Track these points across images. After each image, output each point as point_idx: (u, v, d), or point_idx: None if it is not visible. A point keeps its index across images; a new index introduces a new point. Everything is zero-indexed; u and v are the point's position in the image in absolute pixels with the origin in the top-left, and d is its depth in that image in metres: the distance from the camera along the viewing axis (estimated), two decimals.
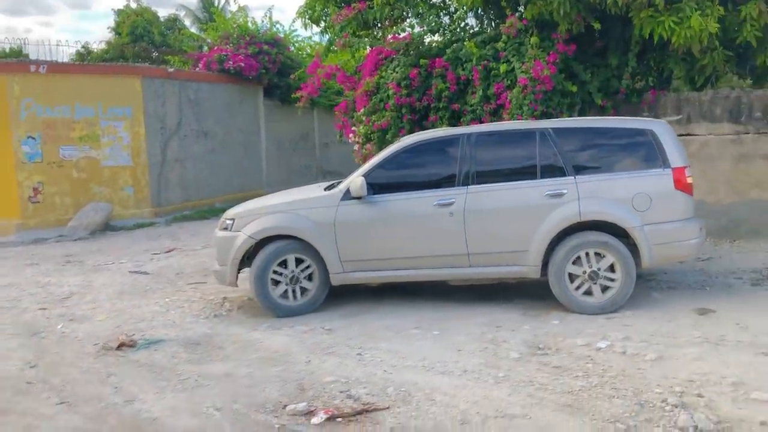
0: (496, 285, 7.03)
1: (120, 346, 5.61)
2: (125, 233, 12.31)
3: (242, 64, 15.44)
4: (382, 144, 9.01)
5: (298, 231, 6.37)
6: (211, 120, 15.19)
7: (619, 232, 5.98)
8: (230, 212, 6.86)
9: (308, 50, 19.77)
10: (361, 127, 9.27)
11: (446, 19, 10.47)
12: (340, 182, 6.74)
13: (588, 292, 6.02)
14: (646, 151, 6.11)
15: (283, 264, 6.41)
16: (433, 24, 9.86)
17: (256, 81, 16.27)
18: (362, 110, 9.23)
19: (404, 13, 10.69)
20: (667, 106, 8.67)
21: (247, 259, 6.56)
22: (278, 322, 6.21)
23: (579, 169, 6.11)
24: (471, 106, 8.49)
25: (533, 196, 6.10)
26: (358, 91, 9.29)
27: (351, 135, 9.65)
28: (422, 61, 8.83)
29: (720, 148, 8.51)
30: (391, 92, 8.78)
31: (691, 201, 6.14)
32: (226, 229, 6.66)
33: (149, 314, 6.71)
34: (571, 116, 8.28)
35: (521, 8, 8.85)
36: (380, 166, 6.47)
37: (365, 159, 9.42)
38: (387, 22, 10.82)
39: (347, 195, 6.34)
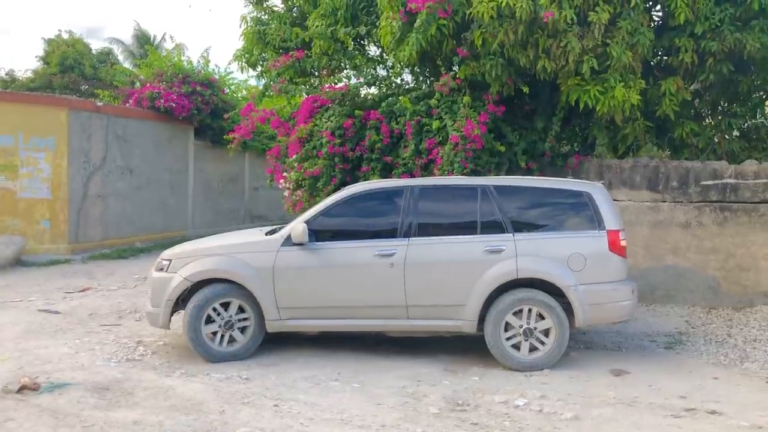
0: (417, 338, 7.01)
1: (21, 389, 5.24)
2: (38, 269, 11.70)
3: (174, 104, 15.20)
4: (313, 191, 8.98)
5: (236, 275, 6.24)
6: (138, 157, 14.81)
7: (555, 291, 6.08)
8: (167, 253, 6.71)
9: (243, 93, 19.73)
10: (293, 174, 9.21)
11: (383, 73, 10.68)
12: (282, 227, 6.66)
13: (522, 348, 6.07)
14: (582, 213, 6.29)
15: (218, 308, 6.27)
16: (370, 77, 10.02)
17: (188, 121, 16.03)
18: (294, 156, 9.19)
19: (342, 64, 10.85)
20: (590, 172, 9.00)
21: (181, 302, 6.39)
22: (194, 369, 5.98)
23: (518, 227, 6.24)
24: (403, 159, 8.59)
25: (473, 251, 6.16)
26: (292, 137, 9.27)
27: (282, 181, 9.58)
28: (357, 112, 8.91)
29: (638, 214, 8.87)
30: (324, 140, 8.79)
31: (625, 263, 6.32)
32: (161, 269, 6.49)
33: (57, 356, 6.33)
34: (497, 175, 8.47)
35: (455, 68, 9.11)
36: (323, 213, 6.45)
37: (295, 205, 9.37)
38: (324, 72, 10.94)
39: (288, 240, 6.28)
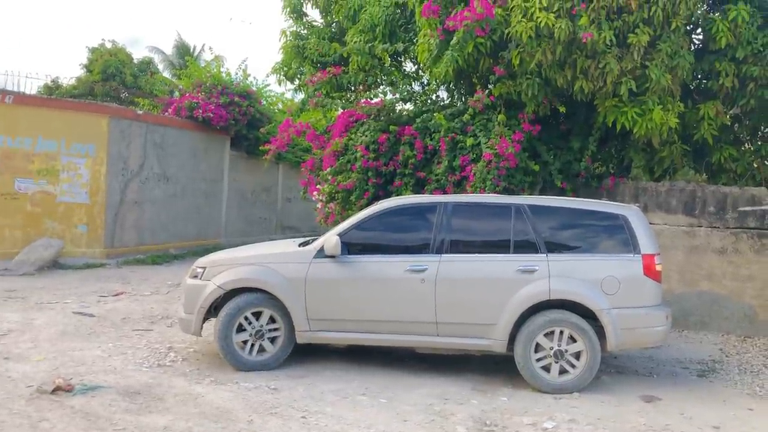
0: (446, 355, 6.99)
1: (55, 390, 5.36)
2: (74, 272, 11.95)
3: (212, 114, 15.44)
4: (346, 204, 9.04)
5: (268, 285, 6.29)
6: (174, 165, 15.07)
7: (587, 314, 6.01)
8: (202, 261, 6.79)
9: (280, 105, 19.95)
10: (326, 186, 9.30)
11: (418, 89, 10.73)
12: (315, 239, 6.72)
13: (552, 370, 6.01)
14: (617, 236, 6.21)
15: (250, 317, 6.33)
16: (405, 93, 10.10)
17: (224, 131, 16.27)
18: (329, 169, 9.28)
19: (378, 80, 10.95)
20: (625, 194, 8.92)
21: (214, 310, 6.45)
22: (223, 377, 6.03)
23: (551, 247, 6.19)
24: (436, 175, 8.61)
25: (505, 270, 6.13)
26: (327, 151, 9.36)
27: (315, 193, 9.67)
28: (392, 128, 8.97)
29: (674, 238, 8.75)
30: (358, 154, 8.86)
31: (659, 288, 6.21)
32: (196, 277, 6.57)
33: (90, 358, 6.45)
34: (531, 195, 8.44)
35: (491, 86, 9.13)
36: (357, 226, 6.49)
37: (327, 218, 9.44)
38: (361, 87, 11.05)
39: (321, 253, 6.31)
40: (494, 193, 7.91)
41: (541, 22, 7.51)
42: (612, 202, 7.11)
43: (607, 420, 5.30)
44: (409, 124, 9.07)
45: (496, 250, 6.29)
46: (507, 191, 8.11)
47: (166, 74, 26.09)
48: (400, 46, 10.19)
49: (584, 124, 9.07)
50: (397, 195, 8.77)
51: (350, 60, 10.58)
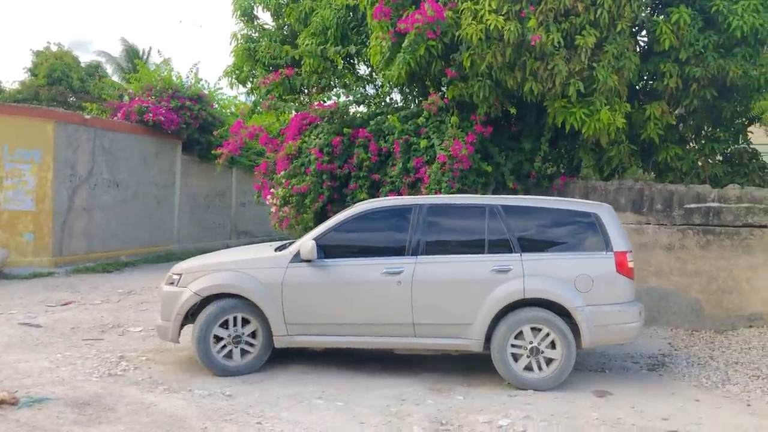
0: (402, 357, 7.00)
1: (0, 404, 5.19)
2: (20, 282, 11.59)
3: (162, 118, 15.19)
4: (300, 208, 8.98)
5: (244, 290, 6.30)
6: (124, 171, 14.76)
7: (561, 311, 6.10)
8: (178, 267, 6.76)
9: (232, 108, 19.76)
10: (280, 190, 9.22)
11: (372, 92, 10.75)
12: (292, 243, 6.71)
13: (529, 368, 6.10)
14: (590, 234, 6.33)
15: (227, 323, 6.33)
16: (359, 95, 10.10)
17: (176, 135, 16.01)
18: (282, 173, 9.20)
19: (331, 82, 10.93)
20: (575, 193, 9.08)
21: (191, 316, 6.44)
22: (176, 385, 5.93)
23: (525, 247, 6.26)
24: (390, 177, 8.62)
25: (480, 270, 6.20)
26: (280, 154, 9.29)
27: (269, 197, 9.57)
28: (346, 130, 8.95)
29: None
30: (312, 157, 8.81)
31: (632, 285, 6.32)
32: (172, 284, 6.56)
33: (37, 370, 6.27)
34: (484, 195, 8.52)
35: (444, 88, 9.19)
36: (333, 230, 6.52)
37: (281, 222, 9.37)
38: (314, 89, 11.01)
39: (297, 257, 6.34)
40: (450, 194, 7.95)
41: (490, 24, 7.60)
42: (584, 201, 7.20)
43: (561, 416, 5.38)
44: (363, 127, 9.06)
45: (470, 251, 6.36)
46: (461, 192, 8.17)
47: (115, 78, 25.57)
48: (352, 49, 10.19)
49: (535, 125, 9.21)
50: (353, 198, 8.77)
51: (303, 63, 10.54)
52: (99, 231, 14.04)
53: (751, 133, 10.08)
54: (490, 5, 7.69)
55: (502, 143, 9.14)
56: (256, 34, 12.12)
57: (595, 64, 7.90)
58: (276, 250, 6.74)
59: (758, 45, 8.76)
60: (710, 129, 10.01)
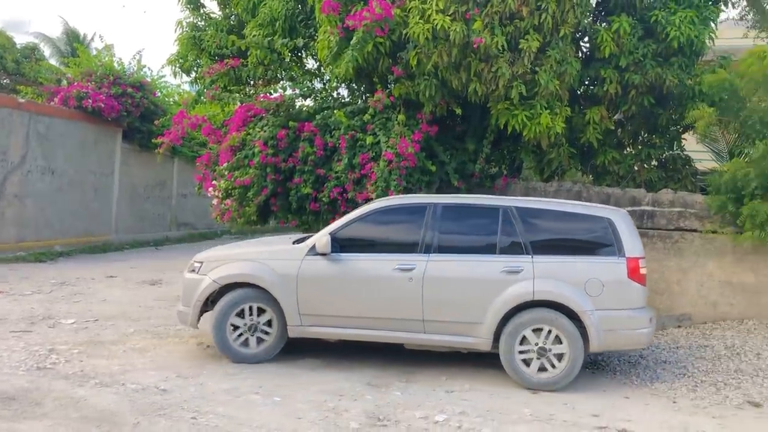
0: (341, 352, 7.01)
1: None
2: None
3: (102, 104, 14.77)
4: (243, 200, 8.88)
5: (261, 280, 6.48)
6: (61, 157, 14.30)
7: (571, 314, 6.14)
8: (200, 256, 6.98)
9: (176, 97, 19.36)
10: (222, 182, 9.08)
11: (319, 86, 10.69)
12: (310, 236, 6.82)
13: (535, 368, 6.15)
14: (603, 238, 6.34)
15: (244, 312, 6.52)
16: (306, 89, 10.02)
17: (116, 123, 15.60)
18: (225, 165, 9.07)
19: (278, 74, 10.82)
20: (516, 193, 9.23)
21: (210, 303, 6.64)
22: (108, 379, 5.79)
23: (537, 249, 6.30)
24: (336, 172, 8.60)
25: (491, 270, 6.25)
26: (223, 145, 9.14)
27: (211, 189, 9.42)
28: (291, 124, 8.88)
29: None
30: (256, 150, 8.71)
31: (643, 291, 6.32)
32: (193, 271, 6.77)
33: None
34: (428, 193, 8.58)
35: (391, 86, 9.22)
36: (348, 225, 6.63)
37: (223, 214, 9.24)
38: (260, 81, 10.88)
39: (313, 250, 6.49)
40: (391, 192, 7.99)
41: (437, 24, 7.67)
42: (600, 205, 7.18)
43: (496, 411, 5.49)
44: (309, 121, 9.00)
45: (482, 251, 6.42)
46: (406, 191, 8.23)
47: (53, 62, 24.68)
48: (300, 42, 10.11)
49: (479, 125, 9.33)
50: (296, 192, 8.72)
51: (249, 54, 10.40)
52: (32, 219, 13.58)
53: (685, 140, 10.45)
54: (437, 5, 7.76)
55: (446, 142, 9.23)
56: (202, 23, 11.89)
57: (537, 68, 8.05)
58: (294, 242, 6.88)
59: (694, 55, 9.11)
60: (647, 135, 10.33)
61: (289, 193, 8.87)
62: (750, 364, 7.03)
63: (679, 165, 10.25)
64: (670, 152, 10.39)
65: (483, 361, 6.77)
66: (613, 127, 9.54)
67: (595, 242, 6.42)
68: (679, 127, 10.06)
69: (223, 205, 9.18)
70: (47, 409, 5.01)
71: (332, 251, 6.43)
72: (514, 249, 6.35)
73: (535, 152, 9.53)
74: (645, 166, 10.14)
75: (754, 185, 7.77)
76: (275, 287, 6.45)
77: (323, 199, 8.63)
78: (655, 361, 7.29)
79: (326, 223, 8.95)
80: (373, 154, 8.49)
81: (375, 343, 6.82)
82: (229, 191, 9.02)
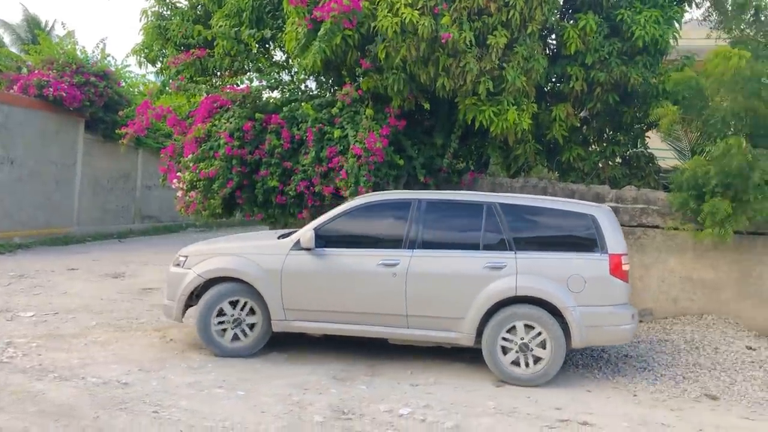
0: (306, 346, 6.97)
1: None
2: None
3: (64, 93, 14.43)
4: (207, 193, 8.78)
5: (246, 275, 6.48)
6: (20, 147, 13.95)
7: (553, 310, 6.16)
8: (185, 250, 6.97)
9: (141, 88, 19.04)
10: (187, 174, 8.96)
11: (286, 78, 10.61)
12: (295, 231, 6.81)
13: (517, 363, 6.17)
14: (585, 235, 6.38)
15: (228, 306, 6.51)
16: (273, 81, 9.94)
17: (79, 112, 15.27)
18: (190, 156, 8.95)
19: (245, 66, 10.72)
20: (483, 189, 9.27)
21: (195, 297, 6.64)
22: (68, 373, 5.67)
23: (520, 245, 6.32)
24: (303, 165, 8.54)
25: (474, 266, 6.26)
26: (188, 137, 9.02)
27: (175, 180, 9.30)
28: (258, 115, 8.80)
29: None
30: (222, 141, 8.61)
31: (626, 287, 6.37)
32: (178, 265, 6.78)
33: None
34: (396, 188, 8.58)
35: (359, 79, 9.19)
36: (332, 220, 6.62)
37: (188, 207, 9.12)
38: (226, 72, 10.76)
39: (297, 245, 6.50)
40: (362, 189, 7.97)
41: (405, 18, 7.66)
42: (583, 202, 7.15)
43: (460, 405, 5.51)
44: (276, 113, 8.94)
45: (466, 247, 6.44)
46: (376, 186, 8.21)
47: (13, 49, 24.04)
48: (267, 33, 10.01)
49: (446, 120, 9.35)
50: (263, 185, 8.65)
51: (215, 44, 10.27)
52: None
53: (649, 138, 10.61)
54: None
55: (414, 137, 9.24)
56: (168, 12, 11.69)
57: (505, 65, 8.10)
58: (279, 237, 6.85)
59: (658, 54, 9.24)
60: (611, 132, 10.46)
61: (255, 185, 8.80)
62: (708, 358, 7.19)
63: (643, 162, 10.40)
64: (634, 150, 10.54)
65: (448, 356, 6.81)
66: (578, 125, 9.65)
67: (578, 238, 6.44)
68: (643, 125, 10.20)
69: (187, 198, 9.07)
70: (3, 403, 4.90)
71: (317, 246, 6.44)
72: (497, 245, 6.37)
73: (501, 148, 9.59)
74: (609, 163, 10.26)
75: (715, 183, 7.91)
76: (260, 282, 6.45)
77: (290, 192, 8.58)
78: (617, 355, 7.40)
79: (293, 217, 8.92)
80: (341, 147, 8.46)
81: (340, 337, 6.82)
82: (194, 183, 8.91)
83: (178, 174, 9.20)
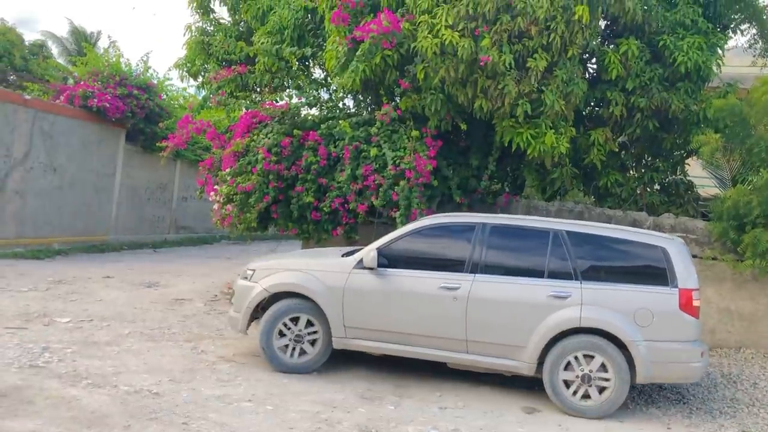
0: (333, 364, 6.96)
1: None
2: None
3: (108, 104, 14.77)
4: (244, 207, 8.87)
5: (309, 291, 6.55)
6: (64, 156, 14.29)
7: (618, 343, 6.01)
8: (253, 264, 7.12)
9: (181, 101, 19.37)
10: (224, 187, 9.08)
11: (325, 96, 10.71)
12: (359, 250, 6.85)
13: (580, 395, 6.05)
14: (655, 267, 6.17)
15: (292, 321, 6.57)
16: (312, 98, 10.04)
17: (120, 123, 15.60)
18: (228, 170, 9.07)
19: (285, 82, 10.85)
20: (518, 211, 9.23)
21: (261, 310, 6.72)
22: (101, 380, 5.74)
23: (587, 275, 6.19)
24: (338, 182, 8.59)
25: (538, 294, 6.16)
26: (227, 151, 9.14)
27: (212, 193, 9.42)
28: (296, 132, 8.89)
29: None
30: (260, 157, 8.71)
31: (697, 324, 6.11)
32: (246, 278, 6.89)
33: None
34: (429, 207, 8.57)
35: (397, 98, 9.24)
36: (395, 241, 6.63)
37: (224, 220, 9.23)
38: (266, 89, 10.91)
39: (360, 264, 6.52)
40: (423, 212, 7.99)
41: (445, 39, 7.68)
42: (653, 233, 6.97)
43: (489, 429, 5.45)
44: (314, 130, 9.02)
45: (530, 274, 6.32)
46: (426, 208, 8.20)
47: (61, 60, 24.72)
48: (308, 51, 10.13)
49: (483, 142, 9.34)
50: (298, 200, 8.72)
51: (257, 61, 10.43)
52: (32, 216, 13.55)
53: (689, 165, 10.46)
54: (446, 20, 7.78)
55: (450, 157, 9.23)
56: (211, 28, 11.94)
57: (544, 88, 8.06)
58: (343, 255, 6.91)
59: (700, 81, 9.13)
60: (650, 158, 10.35)
61: (290, 201, 8.87)
62: (746, 393, 7.00)
63: (682, 190, 10.25)
64: (673, 177, 10.40)
65: (477, 380, 6.73)
66: (617, 150, 9.55)
67: (647, 271, 6.24)
68: (683, 152, 10.07)
69: (223, 210, 9.17)
70: (39, 407, 4.97)
71: (379, 266, 6.44)
72: (562, 274, 6.22)
73: (538, 171, 9.53)
74: (647, 189, 10.15)
75: (757, 213, 7.76)
76: (322, 298, 6.49)
77: (324, 208, 8.62)
78: (651, 386, 7.24)
79: (326, 233, 8.96)
80: (377, 165, 8.49)
81: (369, 356, 6.80)
82: (231, 197, 9.02)
83: (216, 187, 9.33)
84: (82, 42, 24.77)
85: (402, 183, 8.13)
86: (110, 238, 15.87)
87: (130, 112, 15.40)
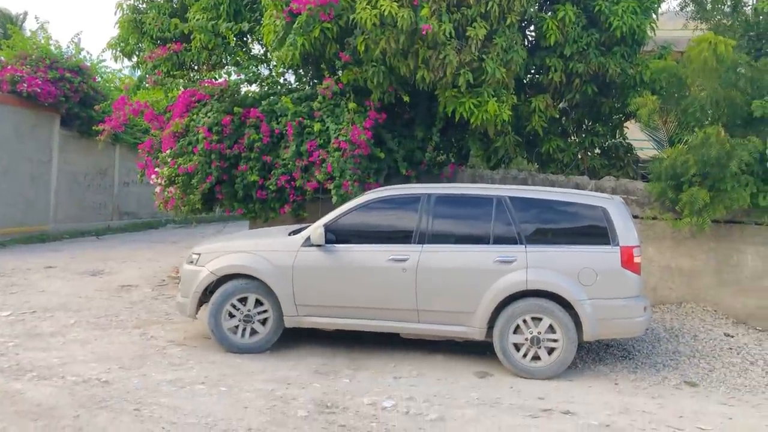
0: (287, 342, 6.94)
1: None
2: None
3: (39, 89, 14.19)
4: (187, 188, 8.70)
5: (257, 271, 6.50)
6: None
7: (564, 304, 6.14)
8: (198, 248, 7.02)
9: (116, 83, 18.79)
10: (165, 169, 8.87)
11: (265, 72, 10.52)
12: (306, 227, 6.82)
13: (529, 357, 6.18)
14: (596, 227, 6.31)
15: (241, 302, 6.53)
16: (251, 74, 9.84)
17: (54, 108, 15.03)
18: (168, 151, 8.85)
19: (223, 59, 10.61)
20: (463, 181, 9.29)
21: (209, 294, 6.64)
22: (47, 372, 5.59)
23: (530, 238, 6.31)
24: (283, 160, 8.49)
25: (484, 260, 6.24)
26: (166, 132, 8.92)
27: (154, 176, 9.19)
28: (236, 110, 8.72)
29: None
30: (200, 136, 8.52)
31: (638, 280, 6.29)
32: (191, 263, 6.81)
33: None
34: (377, 181, 8.57)
35: (338, 72, 9.14)
36: (342, 216, 6.63)
37: (166, 203, 9.03)
38: (204, 66, 10.66)
39: (308, 241, 6.51)
40: (356, 182, 7.96)
41: (385, 10, 7.61)
42: (593, 193, 7.12)
43: (443, 396, 5.53)
44: (255, 107, 8.86)
45: (476, 241, 6.42)
46: (361, 179, 8.17)
47: None
48: (245, 26, 9.92)
49: (426, 113, 9.34)
50: (242, 179, 8.59)
51: (193, 38, 10.16)
52: None
53: (627, 128, 10.69)
54: None
55: (394, 130, 9.22)
56: (144, 5, 11.53)
57: (484, 56, 8.08)
58: (290, 234, 6.86)
59: (636, 45, 9.31)
60: (590, 123, 10.53)
61: (234, 180, 8.74)
62: (687, 346, 7.27)
63: (621, 153, 10.47)
64: (613, 140, 10.61)
65: (431, 349, 6.81)
66: (557, 116, 9.68)
67: (589, 231, 6.38)
68: (621, 115, 10.27)
69: (166, 193, 8.98)
70: None
71: (327, 242, 6.44)
72: (507, 239, 6.34)
73: (482, 140, 9.60)
74: (588, 153, 10.33)
75: (693, 172, 7.98)
76: (271, 278, 6.46)
77: (270, 187, 8.52)
78: (598, 344, 7.45)
79: (274, 212, 8.88)
80: (321, 141, 8.41)
81: (321, 331, 6.80)
82: (173, 179, 8.83)
83: (156, 170, 9.10)
84: (7, 24, 23.70)
85: (336, 154, 8.09)
86: (50, 227, 15.37)
87: (64, 96, 14.85)
